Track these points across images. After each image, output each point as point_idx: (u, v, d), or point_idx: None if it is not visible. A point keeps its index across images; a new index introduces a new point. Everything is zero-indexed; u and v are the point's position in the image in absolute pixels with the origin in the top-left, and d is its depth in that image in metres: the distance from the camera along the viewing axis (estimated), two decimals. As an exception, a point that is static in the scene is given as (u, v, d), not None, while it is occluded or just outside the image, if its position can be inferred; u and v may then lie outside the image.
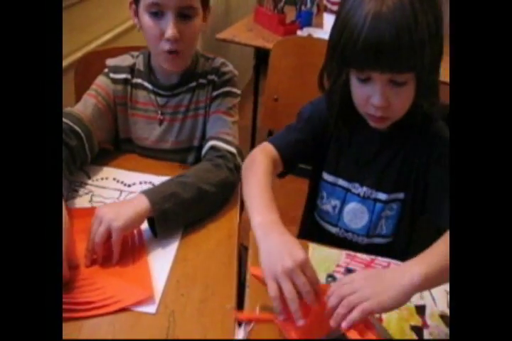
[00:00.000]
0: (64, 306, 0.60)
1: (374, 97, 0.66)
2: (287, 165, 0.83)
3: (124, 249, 0.71)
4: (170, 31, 0.81)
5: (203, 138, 0.97)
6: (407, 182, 0.79)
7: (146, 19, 0.83)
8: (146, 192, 0.75)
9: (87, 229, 0.70)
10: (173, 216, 0.75)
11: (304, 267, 0.59)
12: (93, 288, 0.65)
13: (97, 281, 0.66)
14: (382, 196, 0.81)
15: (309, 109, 0.85)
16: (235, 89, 0.98)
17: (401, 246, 0.84)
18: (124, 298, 0.63)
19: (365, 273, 0.60)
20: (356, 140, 0.81)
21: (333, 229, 0.86)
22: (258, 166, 0.77)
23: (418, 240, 0.84)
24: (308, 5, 1.85)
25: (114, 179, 0.90)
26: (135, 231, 0.76)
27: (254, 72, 1.85)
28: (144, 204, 0.73)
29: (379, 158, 0.80)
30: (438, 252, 0.58)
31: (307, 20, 1.84)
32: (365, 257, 0.76)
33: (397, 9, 0.60)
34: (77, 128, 0.86)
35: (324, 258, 0.75)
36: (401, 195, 0.80)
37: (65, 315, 0.59)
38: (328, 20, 1.76)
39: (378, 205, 0.82)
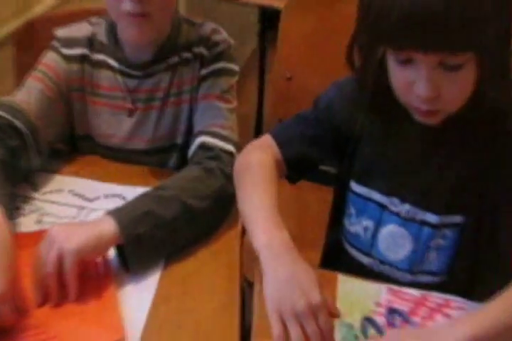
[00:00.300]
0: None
1: (418, 85, 0.68)
2: (292, 167, 0.86)
3: (85, 283, 0.73)
4: None
5: (190, 134, 1.00)
6: (467, 201, 0.80)
7: None
8: (112, 213, 0.78)
9: None
10: (151, 242, 0.78)
11: (319, 312, 0.63)
12: (45, 337, 0.68)
13: (50, 329, 0.69)
14: (431, 218, 0.82)
15: (331, 93, 0.88)
16: (231, 65, 1.01)
17: (459, 287, 0.84)
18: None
19: (399, 332, 0.65)
20: (396, 138, 0.83)
21: (365, 259, 0.89)
22: (256, 169, 0.81)
23: (484, 278, 0.85)
24: None
25: (71, 191, 0.93)
26: (99, 259, 0.79)
27: (259, 42, 1.88)
28: (110, 228, 0.76)
29: (427, 165, 0.82)
30: (496, 309, 0.61)
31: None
32: (414, 293, 0.79)
33: None
34: (18, 123, 0.89)
35: (359, 294, 0.77)
36: (458, 219, 0.81)
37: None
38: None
39: (426, 230, 0.83)
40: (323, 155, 0.88)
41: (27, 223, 0.85)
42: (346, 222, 0.90)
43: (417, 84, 0.68)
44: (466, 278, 0.85)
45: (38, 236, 0.76)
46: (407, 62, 0.68)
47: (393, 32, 0.64)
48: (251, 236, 0.73)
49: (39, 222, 0.86)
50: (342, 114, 0.85)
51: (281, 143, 0.86)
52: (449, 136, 0.78)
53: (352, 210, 0.88)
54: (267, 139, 0.87)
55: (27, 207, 0.89)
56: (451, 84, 0.68)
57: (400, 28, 0.64)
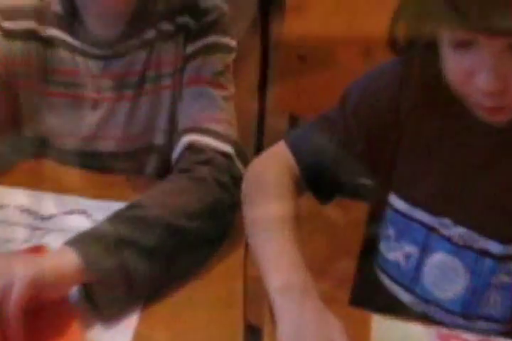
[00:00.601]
0: None
1: (481, 75, 0.74)
2: (318, 190, 0.95)
3: (41, 328, 0.79)
4: None
5: (173, 131, 1.07)
6: None
7: None
8: (73, 243, 0.83)
9: None
10: (128, 280, 0.84)
11: None
12: None
13: None
14: (493, 246, 0.89)
15: (363, 86, 0.95)
16: (226, 39, 1.08)
17: None
18: None
19: None
20: (450, 141, 0.90)
21: (405, 297, 0.97)
22: (270, 190, 0.90)
23: None
24: None
25: (19, 207, 0.99)
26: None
27: (261, 7, 1.94)
28: (71, 263, 0.80)
29: (491, 177, 0.88)
30: None
31: None
32: (471, 338, 0.85)
33: None
34: None
35: (400, 339, 0.84)
36: None
37: None
38: None
39: (487, 262, 0.90)
40: (357, 170, 0.95)
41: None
42: (383, 247, 0.98)
43: (478, 73, 0.74)
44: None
45: None
46: (466, 44, 0.74)
47: (448, 6, 0.70)
48: (262, 274, 0.81)
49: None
50: (378, 114, 0.92)
51: (302, 163, 0.94)
52: None
53: (391, 231, 0.96)
54: (282, 150, 0.95)
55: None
56: None
57: (455, 1, 0.70)
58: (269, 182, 0.91)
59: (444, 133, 0.90)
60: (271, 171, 0.92)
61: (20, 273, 0.76)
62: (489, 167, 0.88)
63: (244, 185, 0.94)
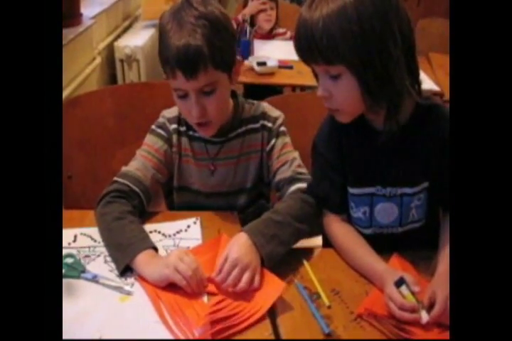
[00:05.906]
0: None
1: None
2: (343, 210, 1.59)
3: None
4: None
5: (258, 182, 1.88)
6: (428, 171, 1.41)
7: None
8: (247, 232, 1.44)
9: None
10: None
11: None
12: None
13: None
14: (407, 190, 1.43)
15: (319, 136, 1.57)
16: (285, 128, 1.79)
17: (435, 225, 1.52)
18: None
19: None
20: (365, 147, 1.46)
21: (368, 231, 1.54)
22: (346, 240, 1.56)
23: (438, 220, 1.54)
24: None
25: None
26: None
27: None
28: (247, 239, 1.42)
29: (391, 158, 1.43)
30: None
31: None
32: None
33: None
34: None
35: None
36: (426, 184, 1.44)
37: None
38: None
39: (405, 199, 1.44)
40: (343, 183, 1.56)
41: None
42: (351, 212, 1.57)
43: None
44: (435, 220, 1.54)
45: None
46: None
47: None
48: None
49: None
50: (332, 146, 1.52)
51: (334, 209, 1.60)
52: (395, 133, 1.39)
53: (352, 204, 1.55)
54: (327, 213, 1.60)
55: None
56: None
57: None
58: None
59: (361, 143, 1.47)
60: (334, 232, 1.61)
61: (253, 264, 1.37)
62: (387, 153, 1.43)
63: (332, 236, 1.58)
